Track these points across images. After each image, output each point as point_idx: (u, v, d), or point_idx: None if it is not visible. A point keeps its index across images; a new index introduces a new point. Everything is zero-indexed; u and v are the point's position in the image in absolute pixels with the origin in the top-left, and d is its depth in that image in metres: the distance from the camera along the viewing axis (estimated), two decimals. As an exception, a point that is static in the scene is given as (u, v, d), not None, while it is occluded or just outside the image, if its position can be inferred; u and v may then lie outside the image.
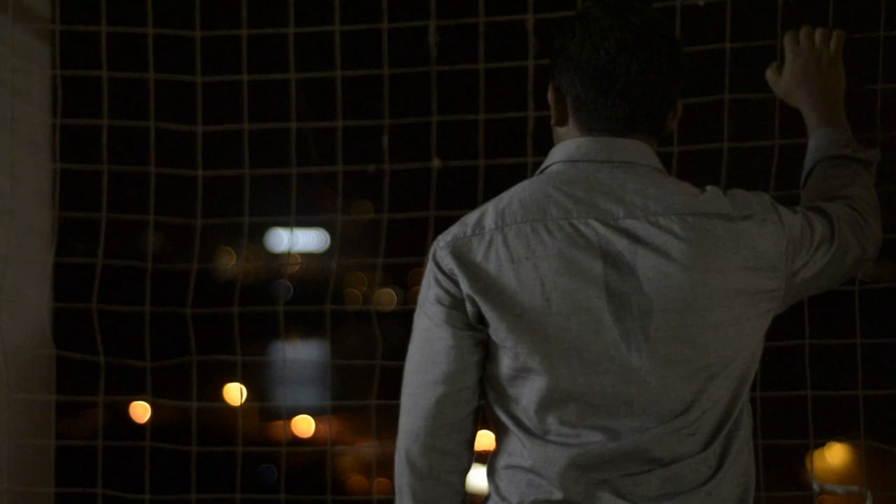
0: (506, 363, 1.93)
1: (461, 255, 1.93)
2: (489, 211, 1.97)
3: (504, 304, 1.90)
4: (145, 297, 3.04)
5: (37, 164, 3.05)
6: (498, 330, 1.91)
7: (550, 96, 2.02)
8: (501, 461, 1.98)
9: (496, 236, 1.93)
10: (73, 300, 3.08)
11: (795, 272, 1.99)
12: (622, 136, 1.97)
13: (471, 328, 1.94)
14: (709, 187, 1.98)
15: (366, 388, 3.01)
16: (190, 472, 3.03)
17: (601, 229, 1.90)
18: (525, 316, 1.90)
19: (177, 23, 2.98)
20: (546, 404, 1.92)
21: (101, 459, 3.04)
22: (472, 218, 1.98)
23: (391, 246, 3.00)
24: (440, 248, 1.96)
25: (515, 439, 1.95)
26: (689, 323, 1.90)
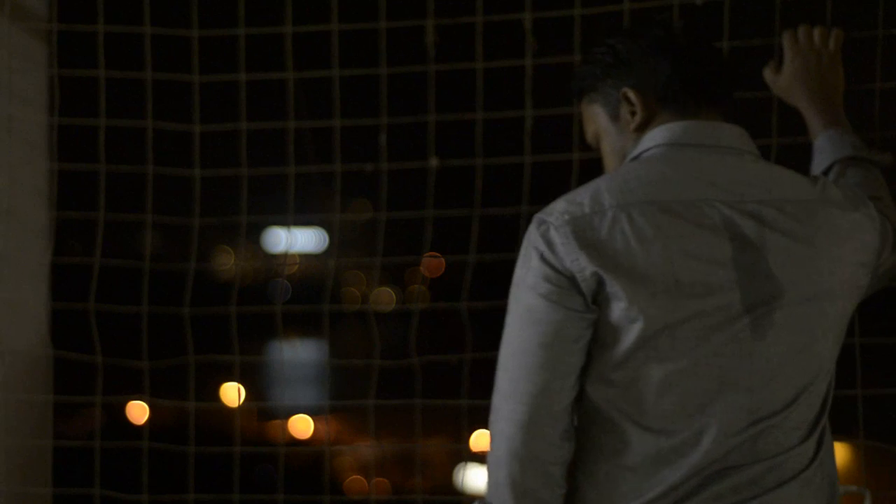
0: (623, 347, 1.85)
1: (582, 233, 1.84)
2: (602, 189, 1.89)
3: (634, 282, 1.82)
4: (143, 297, 3.03)
5: (34, 163, 3.05)
6: (629, 310, 1.83)
7: (633, 100, 2.00)
8: (600, 460, 1.89)
9: (619, 214, 1.85)
10: (70, 300, 3.07)
11: (877, 268, 1.99)
12: (718, 118, 1.99)
13: (583, 310, 1.85)
14: (819, 176, 1.99)
15: (364, 387, 3.01)
16: (188, 472, 3.02)
17: (727, 211, 1.87)
18: (657, 296, 1.83)
19: (174, 22, 2.98)
20: (664, 390, 1.85)
21: (98, 460, 3.04)
22: (582, 196, 1.89)
23: (389, 245, 3.00)
24: (556, 226, 1.86)
25: (622, 434, 1.87)
26: (812, 312, 1.88)
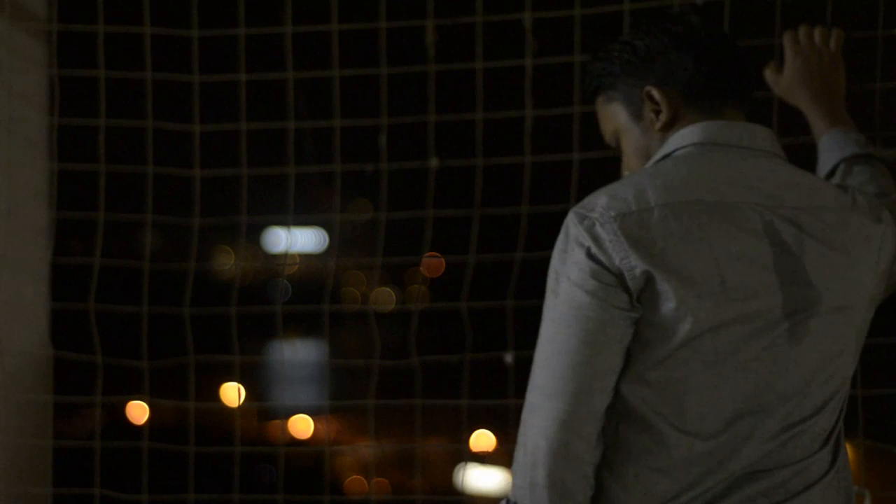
0: (666, 347, 1.81)
1: (630, 230, 1.79)
2: (645, 187, 1.83)
3: (683, 282, 1.78)
4: (143, 296, 3.03)
5: (34, 163, 3.05)
6: (677, 310, 1.78)
7: (658, 98, 1.96)
8: (630, 461, 1.86)
9: (666, 213, 1.80)
10: (70, 300, 3.07)
11: (893, 275, 1.98)
12: (742, 117, 1.96)
13: (628, 308, 1.80)
14: (847, 185, 1.98)
15: (364, 387, 3.01)
16: (188, 472, 3.02)
17: (767, 216, 1.84)
18: (704, 297, 1.79)
19: (174, 22, 2.98)
20: (700, 393, 1.82)
21: (98, 460, 3.04)
22: (624, 193, 1.83)
23: (389, 245, 3.00)
24: (601, 222, 1.80)
25: (655, 434, 1.84)
26: (843, 320, 1.87)
